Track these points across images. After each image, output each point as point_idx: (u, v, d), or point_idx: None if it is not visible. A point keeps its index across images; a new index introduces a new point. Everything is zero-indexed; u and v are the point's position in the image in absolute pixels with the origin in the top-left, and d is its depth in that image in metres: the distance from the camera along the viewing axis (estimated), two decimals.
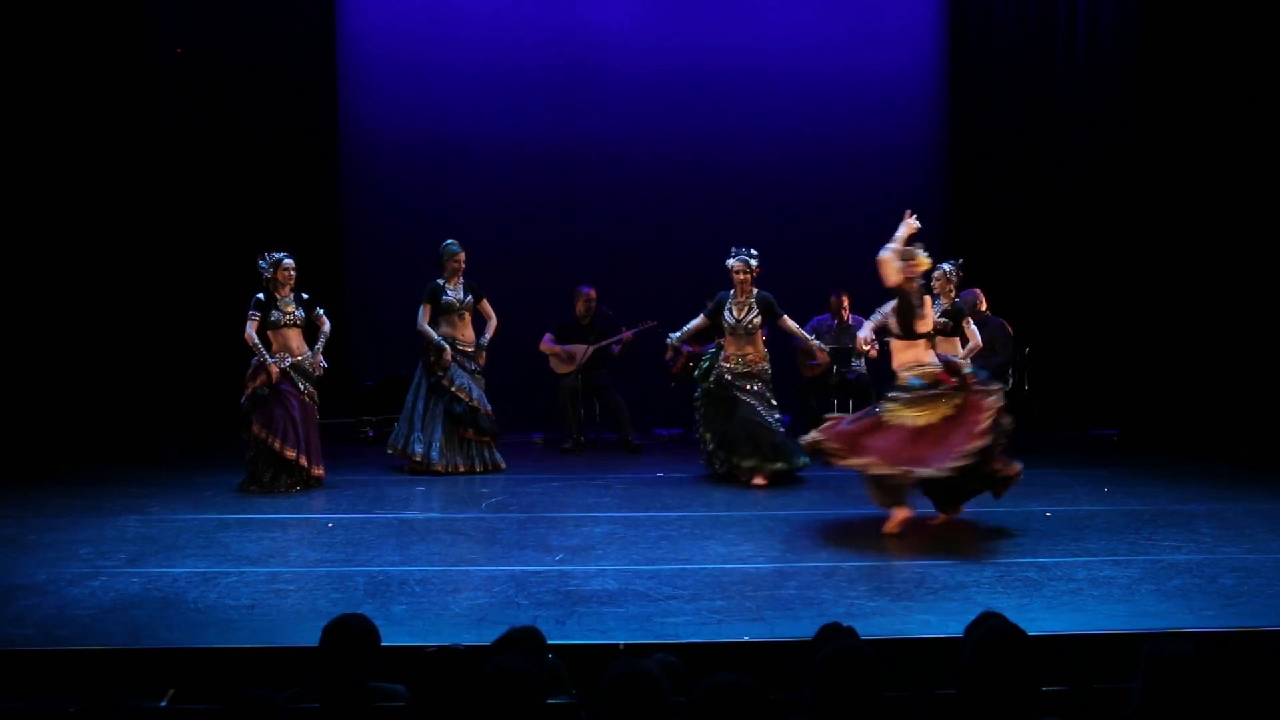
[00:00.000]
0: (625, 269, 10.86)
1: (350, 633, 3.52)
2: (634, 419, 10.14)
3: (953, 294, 8.06)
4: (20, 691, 4.47)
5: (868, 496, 6.94)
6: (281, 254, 8.19)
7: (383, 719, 3.45)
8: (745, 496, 7.98)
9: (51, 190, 8.84)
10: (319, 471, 8.21)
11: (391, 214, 10.92)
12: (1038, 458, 8.71)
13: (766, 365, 8.47)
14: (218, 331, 9.34)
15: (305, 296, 8.28)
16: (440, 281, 8.85)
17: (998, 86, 10.97)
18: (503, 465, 8.96)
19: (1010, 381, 9.48)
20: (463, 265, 8.85)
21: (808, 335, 8.77)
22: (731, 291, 8.46)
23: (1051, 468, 8.77)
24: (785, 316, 8.47)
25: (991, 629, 3.19)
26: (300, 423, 8.07)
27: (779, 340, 9.01)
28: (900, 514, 6.80)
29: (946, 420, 6.64)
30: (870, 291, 7.37)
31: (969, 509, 7.06)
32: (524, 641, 3.73)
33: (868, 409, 7.12)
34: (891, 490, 6.75)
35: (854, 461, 6.72)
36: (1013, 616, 3.36)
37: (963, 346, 7.92)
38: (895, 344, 6.96)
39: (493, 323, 8.99)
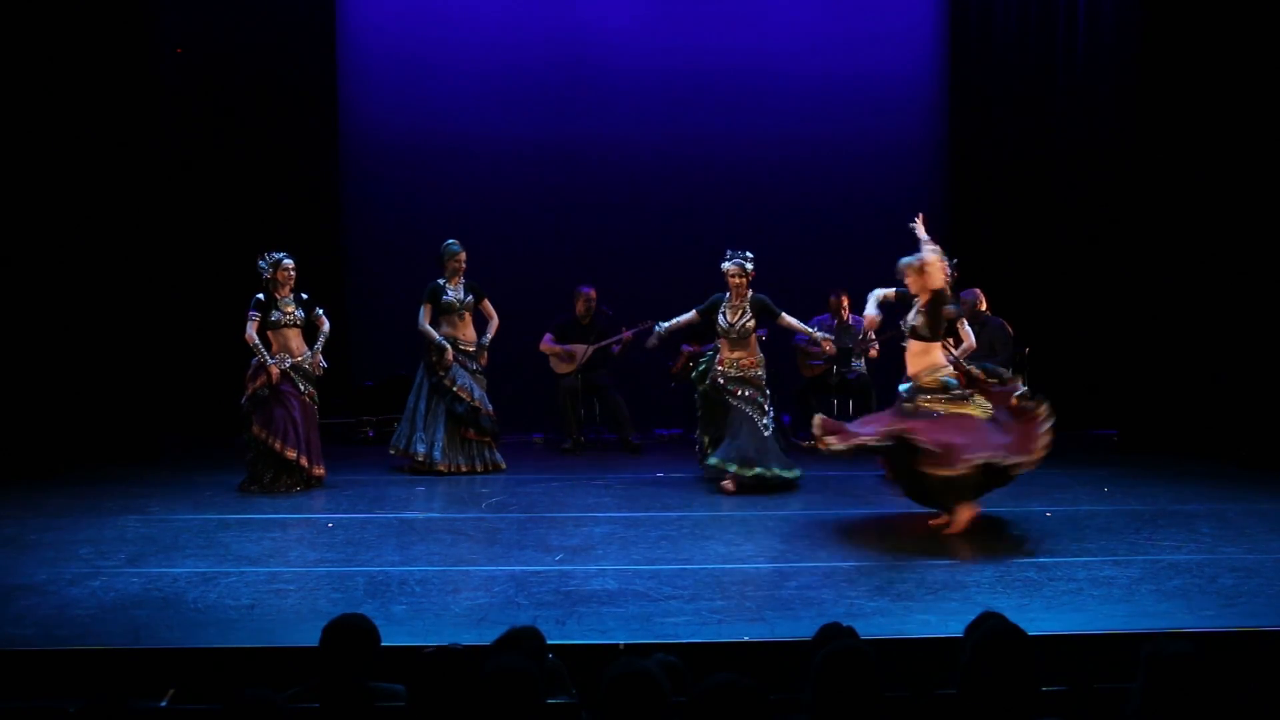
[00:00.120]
0: (625, 269, 10.84)
1: (350, 633, 3.53)
2: (634, 419, 10.13)
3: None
4: (20, 691, 4.48)
5: (931, 495, 6.79)
6: (281, 254, 8.19)
7: (383, 719, 3.45)
8: (745, 496, 7.96)
9: (51, 190, 8.82)
10: (319, 471, 8.22)
11: (391, 214, 10.91)
12: None
13: (761, 370, 8.32)
14: (218, 332, 9.34)
15: (305, 297, 8.28)
16: (441, 281, 8.84)
17: (998, 87, 10.97)
18: (503, 465, 8.96)
19: None
20: (463, 265, 8.85)
21: (810, 329, 8.73)
22: (727, 295, 8.35)
23: (1051, 468, 8.69)
24: (784, 314, 8.41)
25: (991, 629, 3.19)
26: (300, 423, 8.07)
27: (779, 340, 8.98)
28: (968, 511, 6.71)
29: (993, 417, 6.69)
30: (870, 291, 7.38)
31: None
32: (524, 641, 3.73)
33: (892, 410, 7.00)
34: (964, 488, 6.61)
35: (969, 459, 6.38)
36: (1013, 616, 3.36)
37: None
38: (914, 346, 6.90)
39: (494, 322, 8.99)
